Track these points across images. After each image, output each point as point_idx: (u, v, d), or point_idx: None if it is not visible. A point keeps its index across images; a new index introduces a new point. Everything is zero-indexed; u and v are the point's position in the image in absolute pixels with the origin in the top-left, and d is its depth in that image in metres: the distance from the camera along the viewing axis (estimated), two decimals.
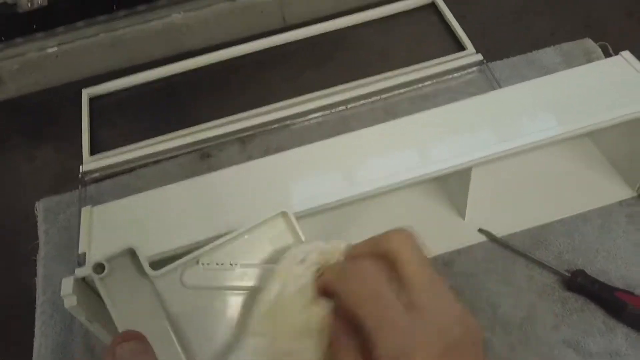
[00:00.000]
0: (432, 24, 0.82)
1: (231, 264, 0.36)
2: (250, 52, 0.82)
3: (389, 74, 0.74)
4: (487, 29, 0.80)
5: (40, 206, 0.66)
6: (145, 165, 0.69)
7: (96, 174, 0.69)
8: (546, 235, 0.58)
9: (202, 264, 0.37)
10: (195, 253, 0.38)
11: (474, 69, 0.73)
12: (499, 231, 0.58)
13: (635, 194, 0.59)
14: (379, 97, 0.72)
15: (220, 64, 0.81)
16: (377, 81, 0.72)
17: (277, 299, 0.31)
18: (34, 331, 0.57)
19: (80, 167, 0.69)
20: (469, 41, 0.76)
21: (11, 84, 0.80)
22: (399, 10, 0.84)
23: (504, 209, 0.60)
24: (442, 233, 0.59)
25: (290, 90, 0.75)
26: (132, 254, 0.31)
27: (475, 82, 0.72)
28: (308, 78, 0.77)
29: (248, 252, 0.38)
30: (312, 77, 0.77)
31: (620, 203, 0.59)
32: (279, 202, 0.50)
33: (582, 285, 0.53)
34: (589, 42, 0.73)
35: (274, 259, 0.35)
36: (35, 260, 0.62)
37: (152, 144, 0.70)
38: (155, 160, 0.69)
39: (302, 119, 0.71)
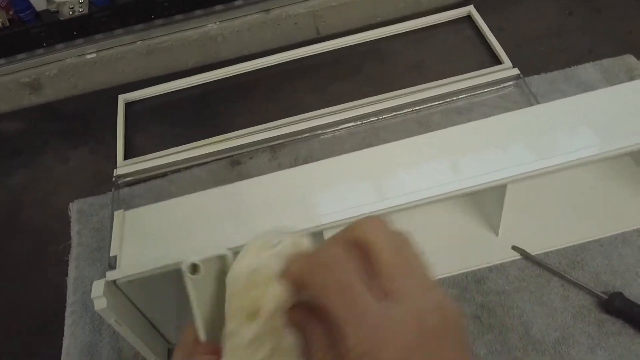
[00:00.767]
0: (467, 36, 0.81)
1: None
2: (282, 62, 0.82)
3: (423, 86, 0.73)
4: (524, 43, 0.78)
5: (73, 207, 0.67)
6: (177, 170, 0.70)
7: (129, 178, 0.70)
8: (583, 255, 0.56)
9: None
10: None
11: (510, 83, 0.72)
12: (534, 249, 0.56)
13: None
14: (411, 109, 0.71)
15: (253, 74, 0.82)
16: (410, 93, 0.72)
17: (236, 277, 0.30)
18: (63, 330, 0.58)
19: (114, 170, 0.70)
20: (505, 55, 0.75)
21: (49, 88, 0.83)
22: (434, 23, 0.83)
23: (539, 227, 0.58)
24: (474, 249, 0.58)
25: (321, 101, 0.75)
26: (223, 258, 0.32)
27: (511, 97, 0.71)
28: (339, 89, 0.77)
29: None
30: (343, 88, 0.77)
31: None
32: (309, 214, 0.49)
33: (620, 308, 0.51)
34: (630, 59, 0.72)
35: None
36: (67, 261, 0.63)
37: (184, 150, 0.71)
38: (186, 166, 0.70)
39: (333, 129, 0.71)
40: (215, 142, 0.71)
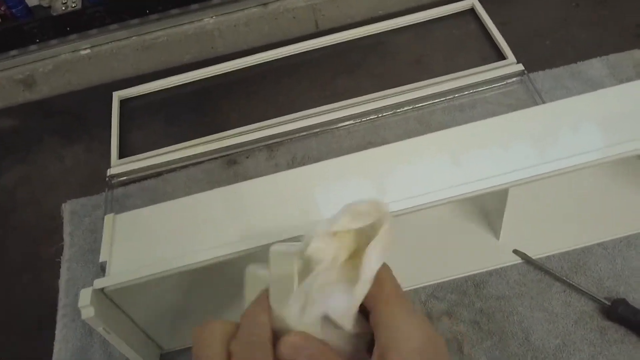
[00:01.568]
0: (470, 31, 0.79)
1: None
2: (280, 57, 0.80)
3: (424, 82, 0.71)
4: (529, 38, 0.76)
5: (66, 208, 0.66)
6: (172, 170, 0.69)
7: (123, 178, 0.68)
8: (586, 260, 0.54)
9: None
10: None
11: (514, 79, 0.70)
12: (535, 253, 0.55)
13: None
14: (412, 107, 0.69)
15: (251, 69, 0.80)
16: (411, 90, 0.70)
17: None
18: (54, 333, 0.57)
19: (108, 170, 0.69)
20: (509, 50, 0.72)
21: (44, 84, 0.81)
22: (436, 16, 0.81)
23: (541, 230, 0.56)
24: (474, 252, 0.56)
25: (321, 97, 0.73)
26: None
27: (515, 94, 0.69)
28: (339, 85, 0.75)
29: None
30: (343, 84, 0.75)
31: None
32: (308, 217, 0.48)
33: (623, 315, 0.49)
34: (638, 54, 0.69)
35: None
36: (59, 262, 0.62)
37: (179, 149, 0.70)
38: (182, 166, 0.69)
39: (331, 127, 0.69)
40: (210, 141, 0.70)
